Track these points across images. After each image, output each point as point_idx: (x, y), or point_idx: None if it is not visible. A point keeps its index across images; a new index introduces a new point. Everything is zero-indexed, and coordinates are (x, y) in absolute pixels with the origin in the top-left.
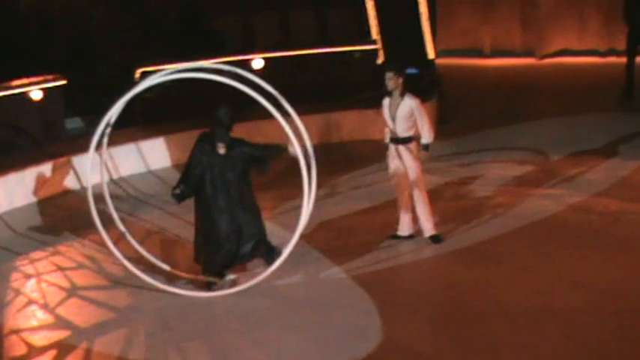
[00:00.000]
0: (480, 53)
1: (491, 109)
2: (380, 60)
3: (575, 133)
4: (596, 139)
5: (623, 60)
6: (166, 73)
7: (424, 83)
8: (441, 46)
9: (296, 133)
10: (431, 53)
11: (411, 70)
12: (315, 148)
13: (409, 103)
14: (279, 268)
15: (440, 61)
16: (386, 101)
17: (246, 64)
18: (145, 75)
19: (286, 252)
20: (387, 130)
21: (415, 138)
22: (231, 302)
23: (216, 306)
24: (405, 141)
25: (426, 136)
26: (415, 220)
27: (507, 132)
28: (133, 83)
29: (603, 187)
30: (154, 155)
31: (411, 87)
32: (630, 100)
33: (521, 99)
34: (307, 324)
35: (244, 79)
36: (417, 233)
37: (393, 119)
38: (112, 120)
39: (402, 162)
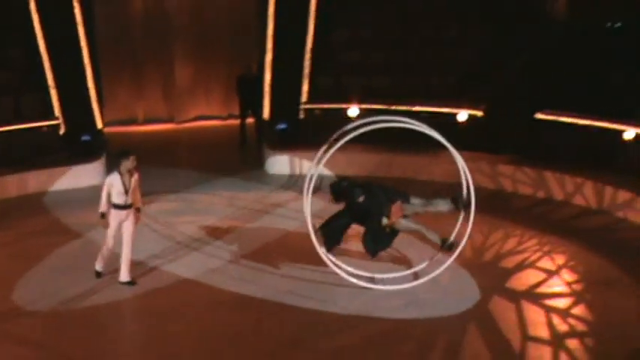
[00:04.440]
0: (135, 121)
1: (147, 161)
2: (61, 132)
3: (205, 176)
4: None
5: (238, 121)
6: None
7: (95, 147)
8: (108, 117)
9: None
10: (99, 123)
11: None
12: None
13: (135, 178)
14: None
15: (108, 129)
16: (116, 177)
17: None
18: None
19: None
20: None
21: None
22: None
23: None
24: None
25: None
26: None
27: (157, 175)
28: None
29: (226, 213)
30: None
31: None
32: (244, 149)
33: (165, 153)
34: None
35: None
36: None
37: (127, 192)
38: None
39: (129, 221)
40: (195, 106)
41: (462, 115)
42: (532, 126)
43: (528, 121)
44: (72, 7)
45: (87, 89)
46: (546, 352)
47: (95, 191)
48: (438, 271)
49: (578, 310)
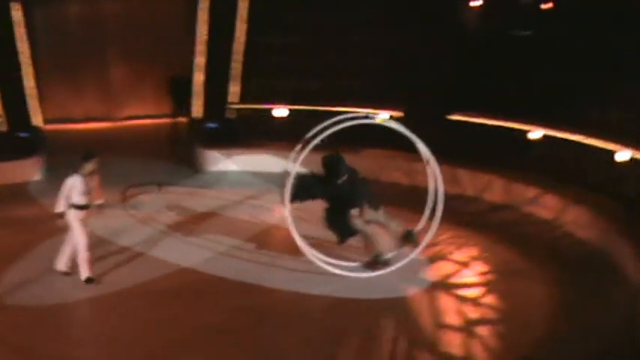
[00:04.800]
0: (74, 120)
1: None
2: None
3: (131, 170)
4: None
5: (170, 120)
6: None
7: (33, 144)
8: (46, 116)
9: None
10: (35, 121)
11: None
12: None
13: (96, 179)
14: None
15: (47, 127)
16: (78, 179)
17: None
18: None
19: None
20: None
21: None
22: None
23: None
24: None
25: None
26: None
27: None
28: None
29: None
30: None
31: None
32: (176, 146)
33: (104, 149)
34: None
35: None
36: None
37: (89, 193)
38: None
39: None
40: (130, 106)
41: (384, 116)
42: (446, 126)
43: (443, 121)
44: (10, 9)
45: (25, 89)
46: (456, 338)
47: (33, 187)
48: (400, 264)
49: (489, 299)
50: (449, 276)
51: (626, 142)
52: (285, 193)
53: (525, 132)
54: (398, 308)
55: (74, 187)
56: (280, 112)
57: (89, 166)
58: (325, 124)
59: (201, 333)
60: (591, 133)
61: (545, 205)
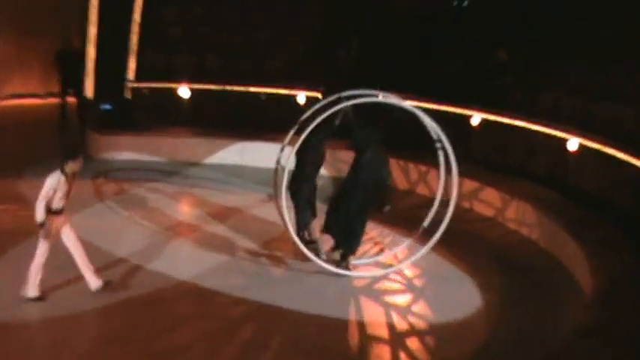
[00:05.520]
0: None
1: None
2: None
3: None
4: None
5: (58, 101)
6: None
7: None
8: None
9: None
10: None
11: (105, 106)
12: None
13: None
14: None
15: None
16: (62, 179)
17: None
18: None
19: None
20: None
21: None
22: None
23: None
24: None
25: None
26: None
27: None
28: None
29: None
30: None
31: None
32: (64, 127)
33: None
34: None
35: None
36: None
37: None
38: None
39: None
40: (10, 83)
41: (301, 98)
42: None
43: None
44: None
45: None
46: (385, 351)
47: None
48: (413, 258)
49: (418, 307)
50: (374, 281)
51: (575, 130)
52: (280, 187)
53: (465, 117)
54: (319, 319)
55: (58, 190)
56: (183, 91)
57: (73, 166)
58: (323, 102)
59: None
60: (540, 120)
61: (486, 200)
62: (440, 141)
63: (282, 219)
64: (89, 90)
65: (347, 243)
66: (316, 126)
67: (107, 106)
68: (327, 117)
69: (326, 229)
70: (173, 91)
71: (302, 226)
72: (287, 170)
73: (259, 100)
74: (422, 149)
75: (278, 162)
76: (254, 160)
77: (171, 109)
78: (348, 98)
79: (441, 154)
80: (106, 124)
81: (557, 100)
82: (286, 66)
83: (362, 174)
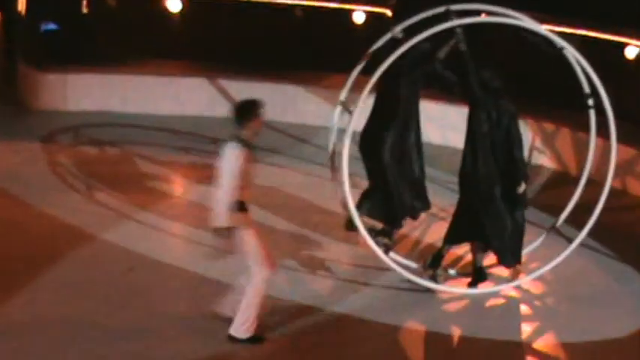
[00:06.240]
0: None
1: None
2: None
3: None
4: None
5: None
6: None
7: None
8: None
9: None
10: None
11: (48, 26)
12: None
13: None
14: None
15: None
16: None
17: None
18: None
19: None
20: None
21: None
22: None
23: None
24: None
25: None
26: None
27: None
28: None
29: None
30: None
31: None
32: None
33: None
34: None
35: None
36: None
37: None
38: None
39: None
40: None
41: (359, 15)
42: None
43: None
44: None
45: None
46: None
47: None
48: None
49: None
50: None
51: None
52: (343, 159)
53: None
54: None
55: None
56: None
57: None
58: (414, 19)
59: None
60: None
61: None
62: (594, 95)
63: (348, 209)
64: (21, 3)
65: (503, 252)
66: (404, 60)
67: (51, 26)
68: (424, 45)
69: (453, 235)
70: (155, 1)
71: (395, 224)
72: (349, 133)
73: (293, 17)
74: (540, 99)
75: (340, 118)
76: (288, 113)
77: (153, 31)
78: (460, 15)
79: (591, 113)
80: (49, 54)
81: None
82: None
83: (485, 141)
